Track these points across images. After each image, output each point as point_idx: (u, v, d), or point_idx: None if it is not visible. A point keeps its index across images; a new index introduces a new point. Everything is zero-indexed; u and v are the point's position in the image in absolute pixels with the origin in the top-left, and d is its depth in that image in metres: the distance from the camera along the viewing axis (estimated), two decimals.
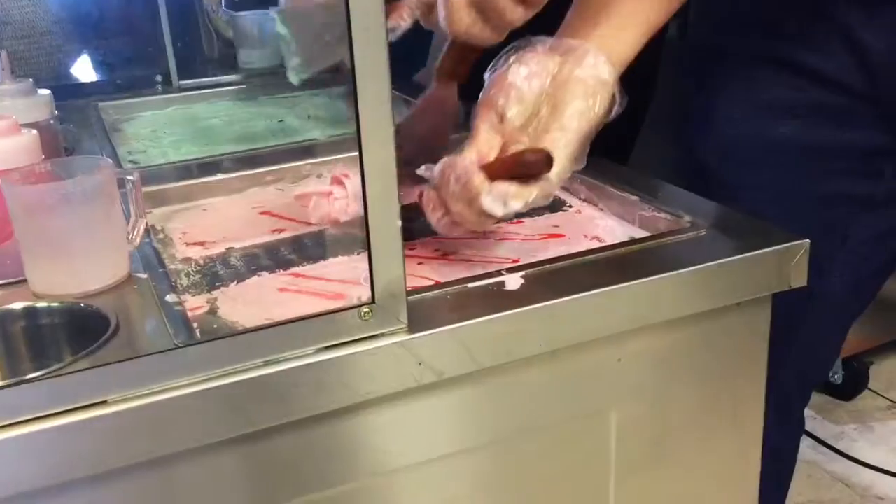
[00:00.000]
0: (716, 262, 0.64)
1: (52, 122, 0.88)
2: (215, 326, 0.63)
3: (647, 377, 0.66)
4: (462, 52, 0.77)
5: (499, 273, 0.63)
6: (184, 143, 1.15)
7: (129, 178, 0.70)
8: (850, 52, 0.78)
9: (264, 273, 0.72)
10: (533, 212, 0.83)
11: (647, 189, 0.78)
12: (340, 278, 0.70)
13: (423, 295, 0.61)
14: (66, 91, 1.33)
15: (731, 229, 0.70)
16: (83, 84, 1.38)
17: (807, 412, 1.89)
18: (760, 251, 0.66)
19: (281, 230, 0.80)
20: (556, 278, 0.64)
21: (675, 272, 0.64)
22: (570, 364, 0.62)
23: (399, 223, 0.53)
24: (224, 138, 1.17)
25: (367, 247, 0.53)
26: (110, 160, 0.68)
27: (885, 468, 1.70)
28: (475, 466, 0.63)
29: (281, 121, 1.25)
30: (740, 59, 0.87)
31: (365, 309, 0.54)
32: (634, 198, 0.77)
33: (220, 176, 0.93)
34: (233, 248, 0.78)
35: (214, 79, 1.44)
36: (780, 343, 0.87)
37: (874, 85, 0.78)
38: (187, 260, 0.76)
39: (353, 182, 0.77)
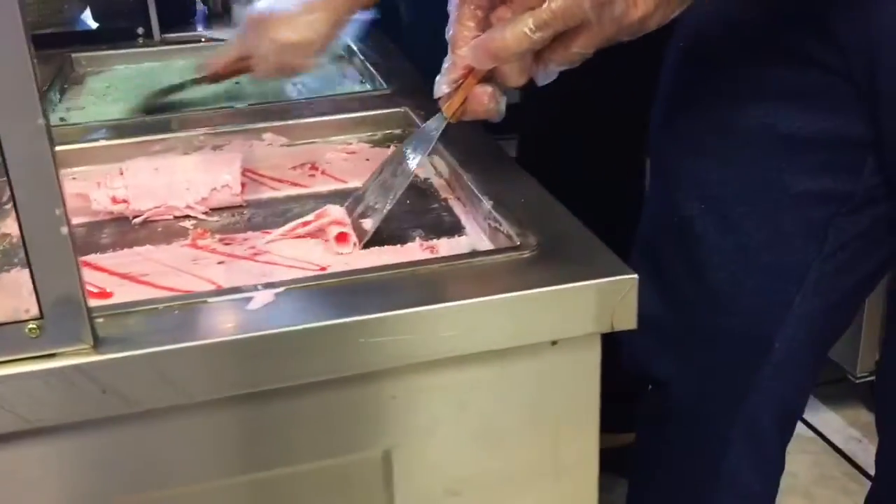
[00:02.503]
0: (516, 294, 0.54)
1: None
2: None
3: (432, 420, 0.56)
4: None
5: (254, 288, 0.55)
6: (122, 101, 1.11)
7: None
8: (823, 25, 0.65)
9: None
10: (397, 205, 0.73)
11: (512, 196, 0.67)
12: (129, 272, 0.63)
13: (147, 308, 0.53)
14: (45, 40, 1.31)
15: (567, 255, 0.59)
16: (63, 34, 1.36)
17: (850, 434, 1.71)
18: (574, 284, 0.54)
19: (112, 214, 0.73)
20: (323, 298, 0.55)
21: (466, 301, 0.53)
22: (314, 401, 0.54)
23: (65, 230, 0.45)
24: (166, 99, 1.12)
25: (25, 254, 0.45)
26: None
27: None
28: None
29: (237, 83, 1.19)
30: (704, 37, 0.74)
31: (32, 325, 0.47)
32: (488, 204, 0.66)
33: (101, 142, 0.87)
34: None
35: (198, 33, 1.39)
36: (748, 367, 0.75)
37: (846, 59, 0.65)
38: (3, 236, 0.70)
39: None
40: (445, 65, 0.62)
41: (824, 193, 0.70)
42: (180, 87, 1.10)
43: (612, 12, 0.54)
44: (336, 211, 0.67)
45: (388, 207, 0.65)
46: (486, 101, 0.61)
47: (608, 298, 0.54)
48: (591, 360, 0.57)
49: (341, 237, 0.64)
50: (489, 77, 0.61)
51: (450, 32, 0.61)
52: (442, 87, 0.62)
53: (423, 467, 0.57)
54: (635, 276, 0.54)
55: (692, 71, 0.74)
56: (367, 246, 0.65)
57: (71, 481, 0.52)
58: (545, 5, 0.55)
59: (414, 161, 0.66)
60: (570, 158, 1.28)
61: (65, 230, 0.45)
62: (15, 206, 0.44)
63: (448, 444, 0.57)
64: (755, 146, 0.71)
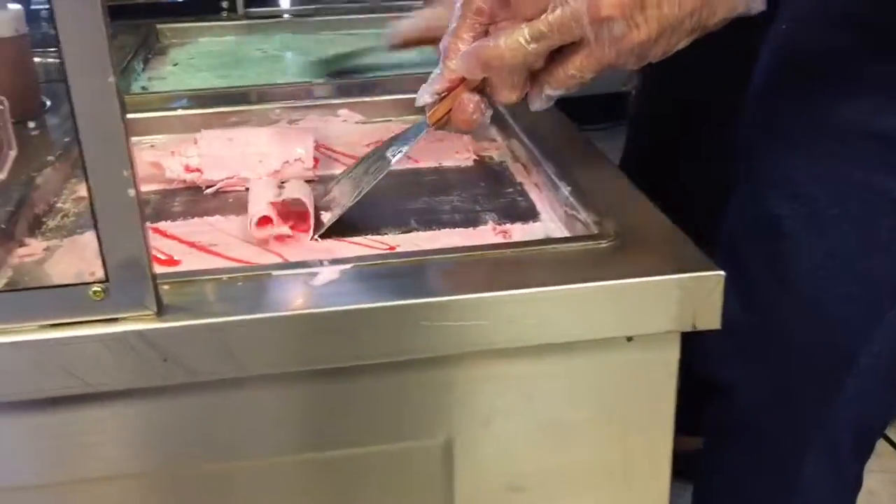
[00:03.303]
0: (591, 285, 0.51)
1: (16, 38, 0.85)
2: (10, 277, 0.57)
3: (496, 410, 0.54)
4: None
5: (319, 263, 0.53)
6: (203, 73, 1.11)
7: None
8: None
9: None
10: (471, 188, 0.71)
11: (591, 183, 0.64)
12: (197, 241, 0.63)
13: (213, 278, 0.52)
14: (131, 10, 1.33)
15: (648, 246, 0.56)
16: (149, 4, 1.37)
17: None
18: (655, 278, 0.51)
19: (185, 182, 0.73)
20: (389, 277, 0.53)
21: (538, 289, 0.51)
22: (377, 383, 0.52)
23: (132, 192, 0.44)
24: (248, 71, 1.12)
25: (92, 214, 0.45)
26: None
27: None
28: (266, 484, 0.54)
29: (318, 57, 1.18)
30: (804, 28, 0.70)
31: (96, 287, 0.46)
32: (567, 189, 0.63)
33: (179, 112, 0.87)
34: None
35: (281, 8, 1.39)
36: (828, 380, 0.71)
37: None
38: (79, 199, 0.71)
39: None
40: (433, 75, 0.60)
41: None
42: (366, 51, 1.08)
43: (610, 32, 0.52)
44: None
45: (350, 204, 0.63)
46: (471, 110, 0.59)
47: (691, 295, 0.51)
48: (668, 359, 0.54)
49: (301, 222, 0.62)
50: (480, 89, 0.59)
51: (444, 43, 0.58)
52: (424, 96, 0.61)
53: (484, 459, 0.55)
54: (722, 273, 0.51)
55: (788, 63, 0.70)
56: (325, 236, 0.63)
57: (130, 448, 0.52)
58: (543, 16, 0.52)
59: (388, 163, 0.65)
60: (681, 161, 1.22)
61: (132, 192, 0.44)
62: (83, 165, 0.43)
63: (512, 438, 0.55)
64: (851, 145, 0.66)
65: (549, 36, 0.53)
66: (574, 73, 0.55)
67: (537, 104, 0.58)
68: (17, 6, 0.86)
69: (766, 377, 0.73)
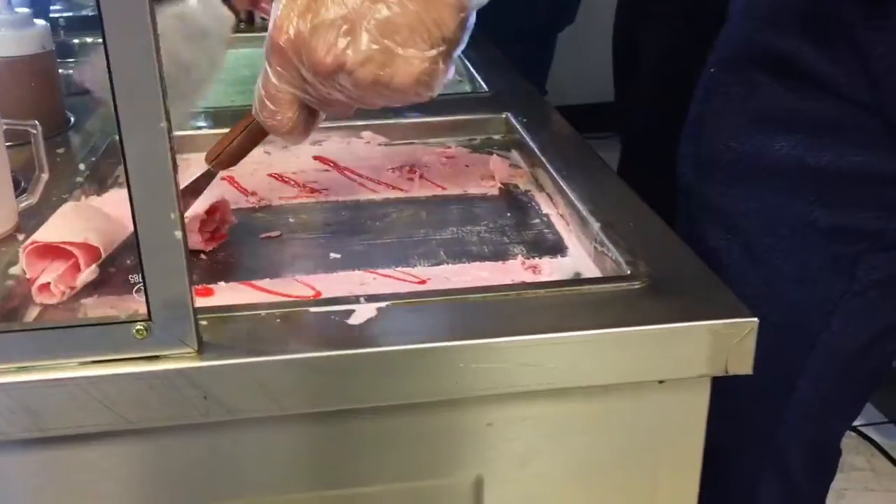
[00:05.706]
0: (627, 329, 0.51)
1: (43, 55, 0.85)
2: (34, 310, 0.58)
3: (527, 451, 0.54)
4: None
5: (356, 300, 0.54)
6: (222, 87, 1.11)
7: (32, 130, 0.66)
8: (854, 56, 0.63)
9: None
10: (498, 218, 0.72)
11: (621, 219, 0.65)
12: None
13: (250, 314, 0.52)
14: None
15: (680, 289, 0.56)
16: None
17: None
18: (690, 323, 0.52)
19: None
20: (425, 316, 0.53)
21: (574, 333, 0.51)
22: (409, 422, 0.52)
23: (179, 234, 0.45)
24: None
25: (138, 255, 0.45)
26: None
27: None
28: None
29: None
30: (738, 60, 0.72)
31: (139, 325, 0.46)
32: (596, 225, 0.64)
33: (204, 130, 0.88)
34: None
35: None
36: (772, 405, 0.73)
37: (876, 95, 0.63)
38: None
39: None
40: None
41: (854, 230, 0.67)
42: None
43: None
44: None
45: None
46: None
47: (725, 341, 0.52)
48: (698, 403, 0.55)
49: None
50: None
51: None
52: None
53: (514, 500, 0.55)
54: (755, 319, 0.52)
55: (721, 98, 0.72)
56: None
57: (154, 483, 0.52)
58: None
59: None
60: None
61: (178, 234, 0.45)
62: (132, 207, 0.44)
63: (542, 478, 0.55)
64: (783, 178, 0.69)
65: None
66: None
67: None
68: (44, 22, 0.87)
69: (716, 401, 0.74)
